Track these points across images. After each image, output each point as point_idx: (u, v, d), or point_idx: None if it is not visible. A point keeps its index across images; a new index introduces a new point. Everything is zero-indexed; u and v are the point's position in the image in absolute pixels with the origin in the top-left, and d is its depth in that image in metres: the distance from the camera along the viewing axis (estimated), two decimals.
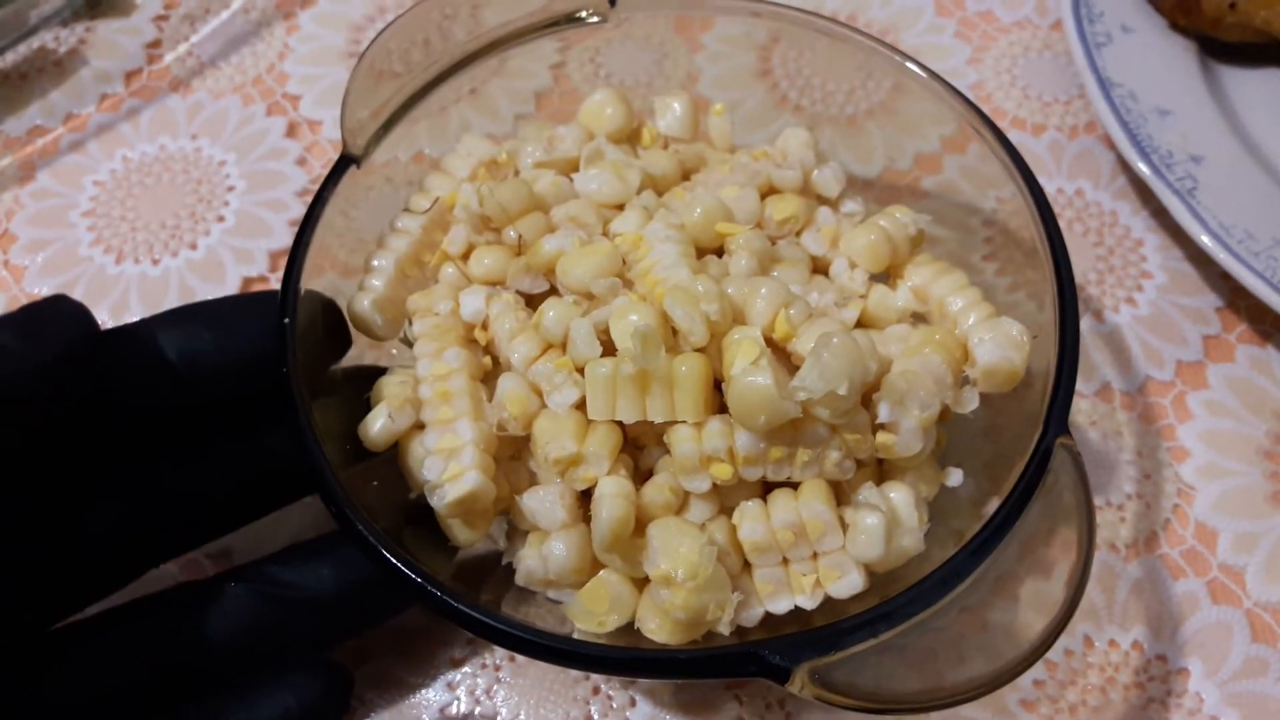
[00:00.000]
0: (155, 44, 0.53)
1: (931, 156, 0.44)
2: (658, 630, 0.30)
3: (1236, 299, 0.45)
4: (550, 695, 0.36)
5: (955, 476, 0.33)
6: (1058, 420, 0.30)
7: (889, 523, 0.31)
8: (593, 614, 0.31)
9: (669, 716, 0.36)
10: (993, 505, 0.32)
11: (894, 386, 0.31)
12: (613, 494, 0.30)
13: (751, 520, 0.30)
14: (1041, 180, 0.47)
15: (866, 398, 0.32)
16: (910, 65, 0.40)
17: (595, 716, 0.36)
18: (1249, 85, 0.49)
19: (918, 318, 0.37)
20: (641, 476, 0.32)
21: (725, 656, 0.28)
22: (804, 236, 0.38)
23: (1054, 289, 0.33)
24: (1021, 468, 0.30)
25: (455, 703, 0.36)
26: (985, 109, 0.50)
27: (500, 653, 0.37)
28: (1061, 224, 0.46)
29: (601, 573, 0.31)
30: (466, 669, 0.37)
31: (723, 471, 0.30)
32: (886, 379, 0.32)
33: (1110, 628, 0.38)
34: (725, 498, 0.31)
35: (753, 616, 0.31)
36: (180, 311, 0.34)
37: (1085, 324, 0.44)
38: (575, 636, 0.31)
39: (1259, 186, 0.44)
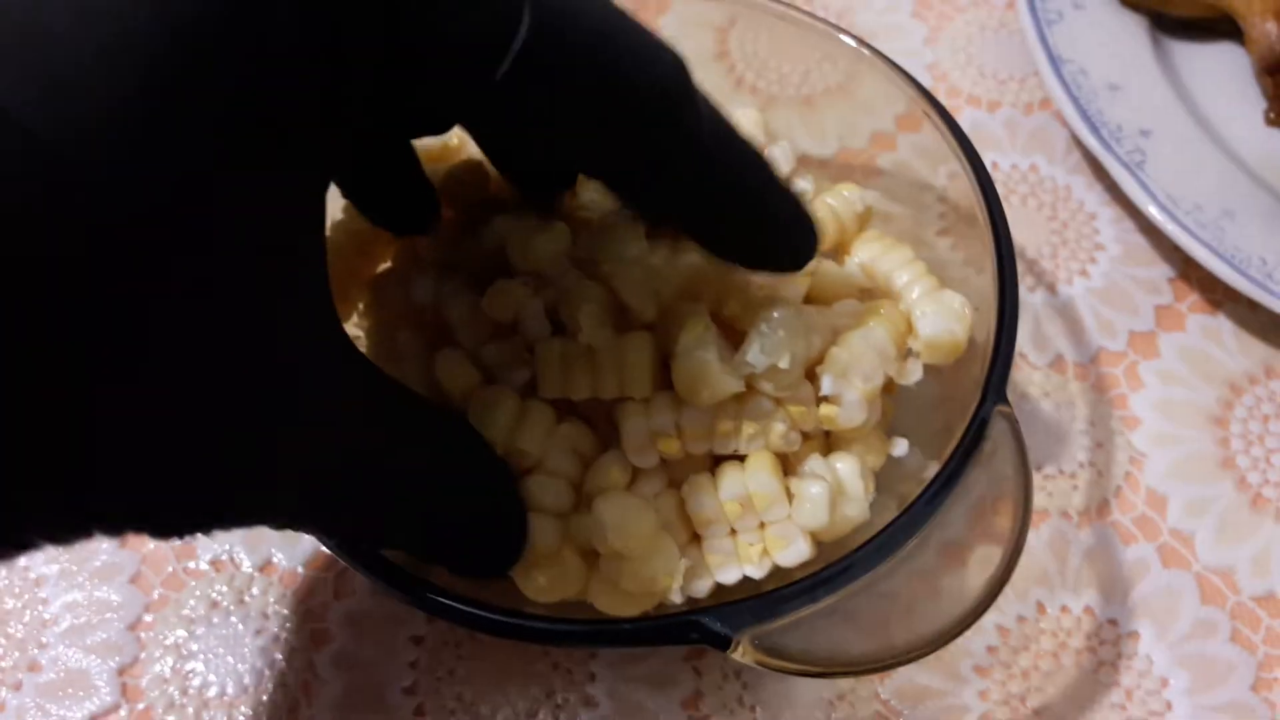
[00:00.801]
0: None
1: (886, 135, 0.45)
2: (609, 604, 0.31)
3: (1188, 269, 0.45)
4: (510, 671, 0.37)
5: (900, 446, 0.34)
6: (996, 388, 0.31)
7: (833, 492, 0.31)
8: (541, 588, 0.31)
9: (627, 689, 0.37)
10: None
11: (836, 359, 0.32)
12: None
13: (699, 493, 0.31)
14: (997, 156, 0.48)
15: (811, 371, 0.32)
16: (863, 50, 0.40)
17: (557, 689, 0.37)
18: (1199, 59, 0.49)
19: (866, 293, 0.37)
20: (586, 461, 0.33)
21: (667, 625, 0.28)
22: None
23: (994, 262, 0.34)
24: (959, 436, 0.30)
25: (417, 680, 0.37)
26: (942, 87, 0.51)
27: (460, 631, 0.37)
28: (1016, 199, 0.47)
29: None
30: (427, 646, 0.37)
31: (670, 446, 0.31)
32: (830, 352, 0.32)
33: (1062, 593, 0.38)
34: (673, 471, 0.32)
35: (702, 587, 0.32)
36: None
37: (1038, 297, 0.45)
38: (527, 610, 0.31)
39: (1208, 159, 0.45)
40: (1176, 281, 0.45)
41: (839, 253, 0.38)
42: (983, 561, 0.32)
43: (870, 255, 0.37)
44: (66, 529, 0.21)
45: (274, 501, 0.24)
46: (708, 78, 0.48)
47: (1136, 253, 0.46)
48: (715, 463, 0.32)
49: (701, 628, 0.28)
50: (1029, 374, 0.43)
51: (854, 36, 0.41)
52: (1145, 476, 0.41)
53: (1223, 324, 0.44)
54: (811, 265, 0.37)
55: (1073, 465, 0.41)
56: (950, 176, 0.40)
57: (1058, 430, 0.42)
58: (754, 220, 0.30)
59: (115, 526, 0.22)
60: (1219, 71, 0.49)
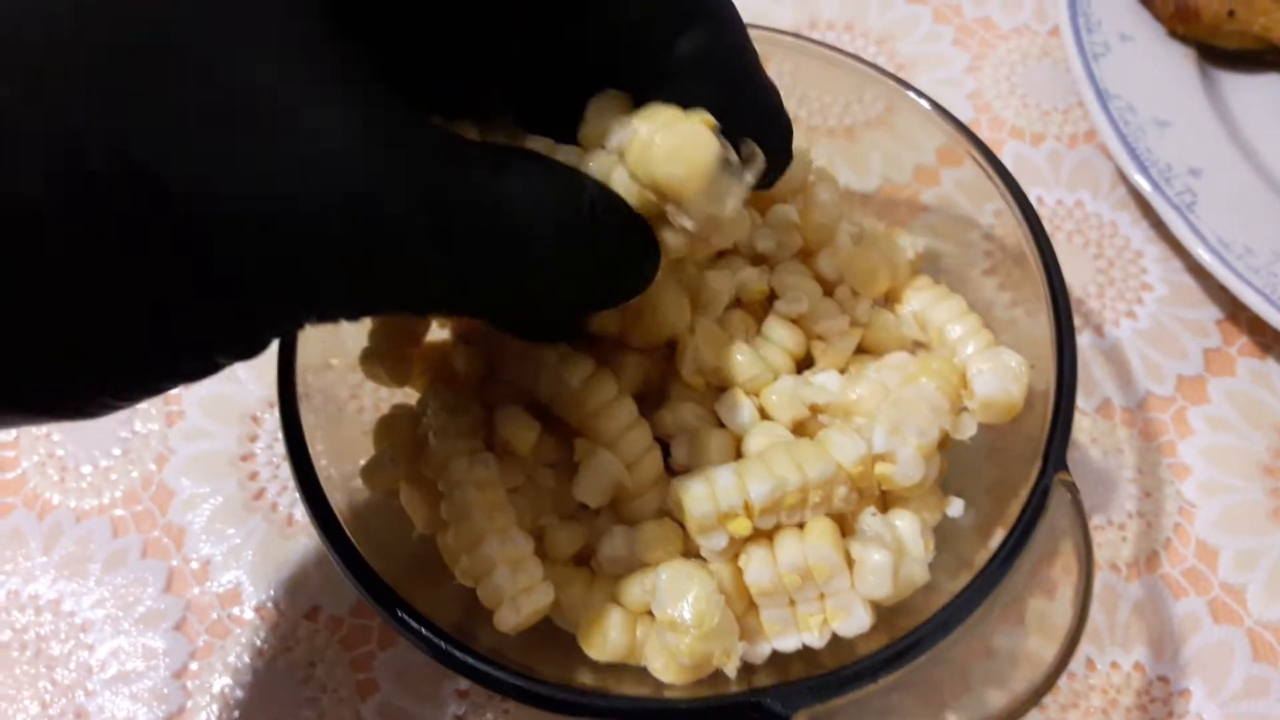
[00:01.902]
0: None
1: (928, 170, 0.44)
2: (664, 670, 0.31)
3: (1237, 311, 0.45)
4: None
5: (956, 507, 0.34)
6: (1055, 457, 0.31)
7: (895, 557, 0.31)
8: (593, 648, 0.31)
9: None
10: (995, 530, 0.33)
11: (889, 415, 0.31)
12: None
13: (758, 565, 0.31)
14: (1041, 191, 0.48)
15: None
16: (900, 87, 0.39)
17: None
18: (1248, 92, 0.49)
19: (918, 345, 0.37)
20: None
21: (726, 706, 0.28)
22: (820, 259, 0.37)
23: (1052, 327, 0.33)
24: (1020, 506, 0.30)
25: None
26: (984, 118, 0.50)
27: None
28: (1061, 236, 0.47)
29: (598, 611, 0.32)
30: (472, 700, 0.37)
31: (741, 528, 0.30)
32: (882, 407, 0.32)
33: (1112, 649, 0.38)
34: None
35: (760, 654, 0.31)
36: None
37: (1085, 339, 0.44)
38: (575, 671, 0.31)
39: (1259, 198, 0.44)
40: (1225, 323, 0.45)
41: (891, 301, 0.38)
42: (1036, 619, 0.32)
43: (922, 304, 0.37)
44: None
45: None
46: None
47: (1184, 293, 0.45)
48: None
49: (761, 708, 0.28)
50: (1077, 420, 0.42)
51: (890, 75, 0.40)
52: (1195, 527, 0.40)
53: (1273, 368, 0.43)
54: (866, 315, 0.37)
55: (1121, 516, 0.40)
56: (995, 214, 0.40)
57: (1106, 479, 0.41)
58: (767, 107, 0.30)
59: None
60: (1269, 104, 0.48)
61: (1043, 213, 0.47)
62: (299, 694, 0.38)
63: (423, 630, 0.29)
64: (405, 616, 0.29)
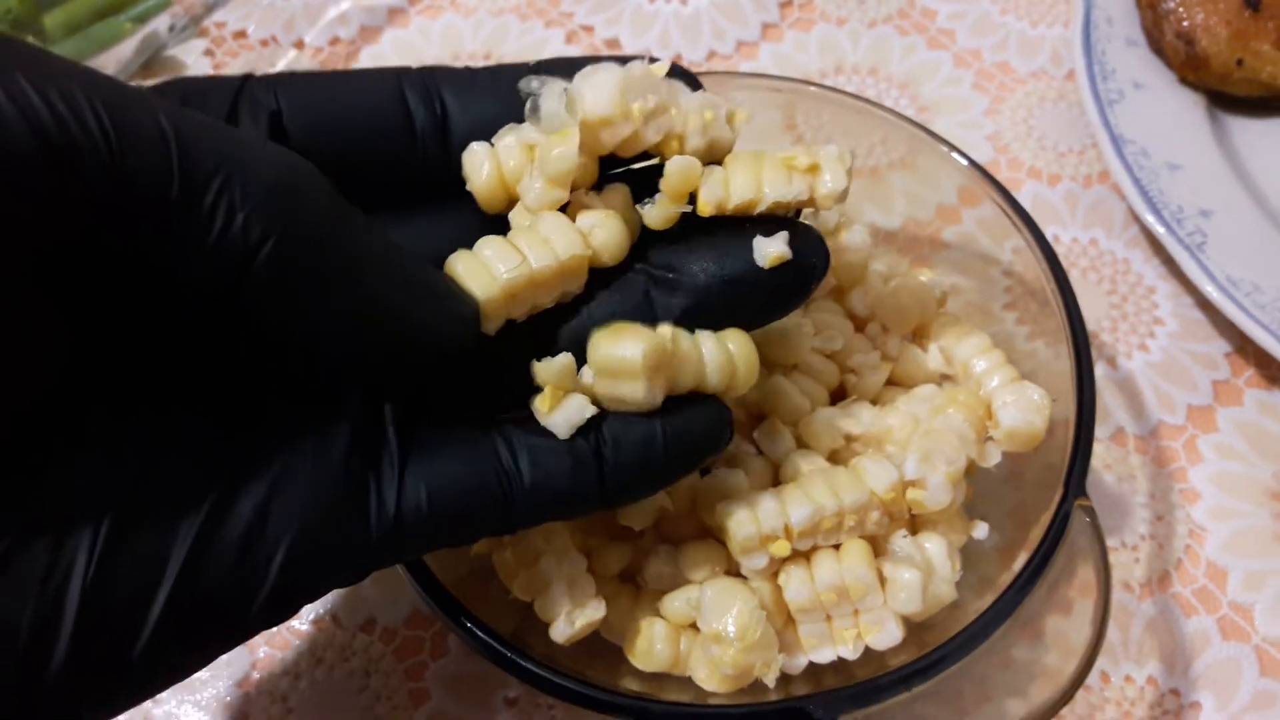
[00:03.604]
0: None
1: (950, 208, 0.47)
2: (707, 680, 0.33)
3: (1245, 345, 0.47)
4: None
5: (981, 530, 0.36)
6: (1076, 483, 0.33)
7: (925, 576, 0.33)
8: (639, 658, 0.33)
9: None
10: (1018, 552, 0.35)
11: (920, 444, 0.34)
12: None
13: (797, 583, 0.33)
14: (1058, 230, 0.50)
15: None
16: (921, 132, 0.42)
17: None
18: (1257, 136, 0.51)
19: (945, 378, 0.39)
20: None
21: (776, 712, 0.30)
22: (852, 298, 0.40)
23: (1072, 364, 0.35)
24: (1042, 531, 0.32)
25: None
26: (1003, 159, 0.53)
27: None
28: (1077, 272, 0.49)
29: (644, 624, 0.34)
30: (520, 708, 0.39)
31: (781, 549, 0.32)
32: (914, 437, 0.34)
33: (1126, 664, 0.40)
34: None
35: (797, 665, 0.34)
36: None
37: (1100, 370, 0.46)
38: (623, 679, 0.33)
39: (1266, 238, 0.46)
40: (1233, 356, 0.47)
41: (919, 337, 0.40)
42: (1054, 635, 0.34)
43: (948, 340, 0.39)
44: None
45: None
46: (777, 148, 0.50)
47: (1194, 328, 0.47)
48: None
49: (806, 715, 0.30)
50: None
51: (911, 120, 0.43)
52: (1205, 549, 0.42)
53: (1279, 399, 0.46)
54: (896, 350, 0.39)
55: (1134, 538, 0.43)
56: (1014, 251, 0.42)
57: (1120, 503, 0.43)
58: None
59: None
60: (1277, 148, 0.51)
61: (1059, 250, 0.50)
62: (356, 702, 0.40)
63: (488, 639, 0.31)
64: (471, 626, 0.32)
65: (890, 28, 0.57)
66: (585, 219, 0.30)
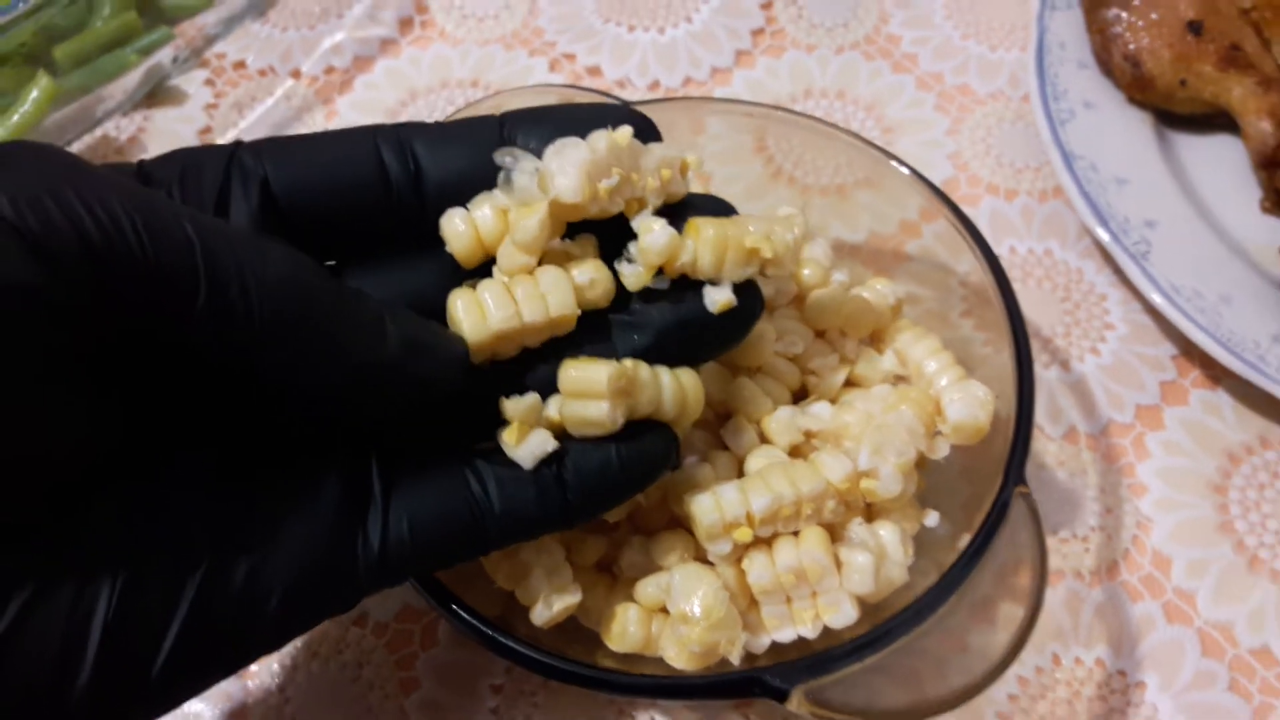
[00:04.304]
0: (206, 130, 0.58)
1: (912, 224, 0.49)
2: (676, 658, 0.35)
3: (1190, 348, 0.50)
4: (580, 717, 0.41)
5: (932, 518, 0.38)
6: (1015, 473, 0.36)
7: (877, 559, 0.36)
8: (620, 638, 0.36)
9: None
10: (966, 538, 0.38)
11: (873, 438, 0.36)
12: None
13: (759, 567, 0.35)
14: (1014, 241, 0.53)
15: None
16: (883, 155, 0.45)
17: None
18: (1201, 151, 0.54)
19: (899, 379, 0.42)
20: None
21: (733, 681, 0.33)
22: (812, 305, 0.42)
23: (1015, 367, 0.38)
24: (984, 515, 0.35)
25: None
26: (963, 176, 0.56)
27: (536, 679, 0.42)
28: (1033, 282, 0.52)
29: (619, 609, 0.36)
30: (506, 694, 0.42)
31: (744, 535, 0.35)
32: (866, 431, 0.37)
33: (1076, 647, 0.43)
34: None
35: (760, 645, 0.36)
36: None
37: (1053, 373, 0.49)
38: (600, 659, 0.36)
39: (1208, 247, 0.49)
40: (1180, 359, 0.50)
41: (875, 340, 0.43)
42: (1006, 620, 0.37)
43: (903, 343, 0.42)
44: None
45: None
46: (749, 169, 0.53)
47: (1143, 333, 0.50)
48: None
49: (763, 683, 0.32)
50: (1045, 445, 0.47)
51: (874, 145, 0.45)
52: (1151, 539, 0.45)
53: (1222, 399, 0.48)
54: (853, 353, 0.42)
55: (1085, 529, 0.45)
56: (970, 263, 0.45)
57: (1071, 497, 0.46)
58: None
59: None
60: (1220, 163, 0.54)
61: (1016, 261, 0.52)
62: (350, 692, 0.42)
63: (476, 623, 0.34)
64: (461, 611, 0.34)
65: (857, 53, 0.60)
66: (581, 273, 0.33)
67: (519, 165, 0.33)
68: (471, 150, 0.33)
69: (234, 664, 0.30)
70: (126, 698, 0.27)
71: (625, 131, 0.33)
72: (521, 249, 0.33)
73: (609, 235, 0.34)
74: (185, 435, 0.30)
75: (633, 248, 0.33)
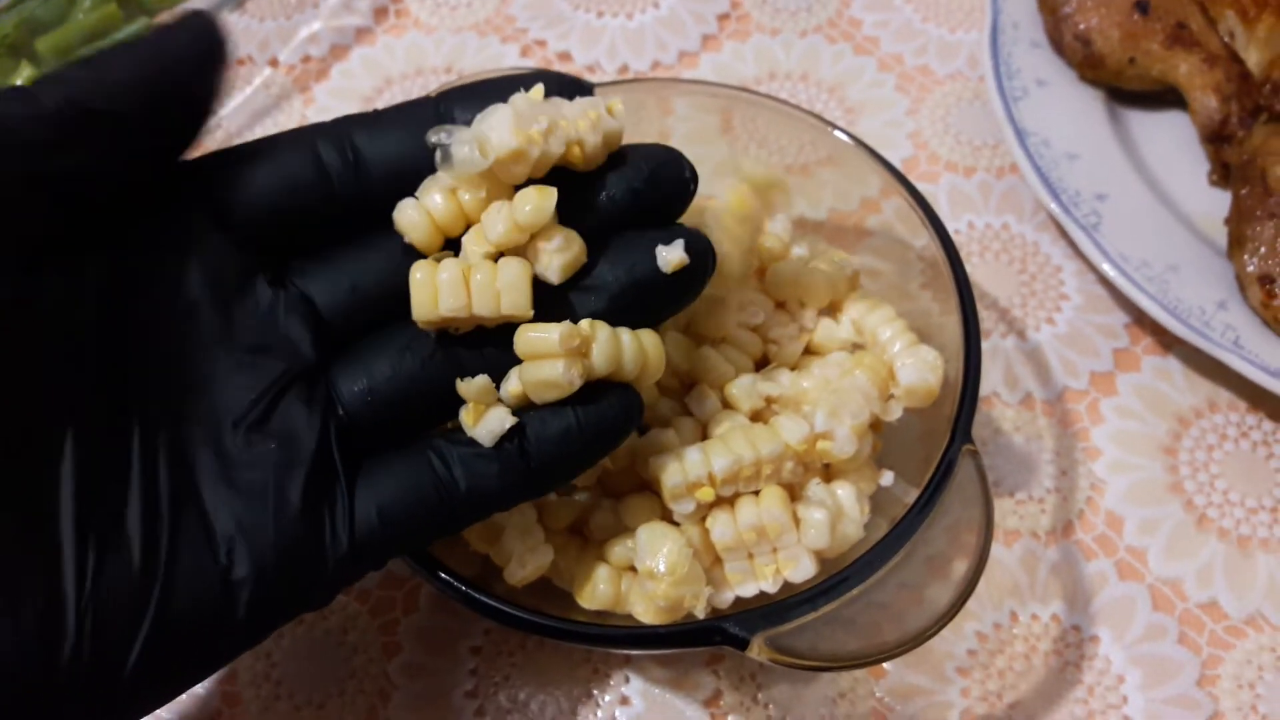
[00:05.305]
0: None
1: (872, 200, 0.51)
2: (644, 613, 0.37)
3: (1142, 316, 0.51)
4: (557, 676, 0.43)
5: (887, 477, 0.40)
6: (962, 432, 0.37)
7: (833, 516, 0.37)
8: (592, 598, 0.38)
9: (657, 690, 0.43)
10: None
11: (828, 401, 0.38)
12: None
13: (722, 525, 0.37)
14: (972, 217, 0.55)
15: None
16: (844, 137, 0.46)
17: (596, 691, 0.43)
18: (1151, 127, 0.56)
19: (855, 346, 0.43)
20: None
21: (696, 630, 0.35)
22: (773, 277, 0.44)
23: (961, 331, 0.40)
24: (931, 473, 0.37)
25: (477, 685, 0.43)
26: (923, 154, 0.57)
27: (513, 640, 0.44)
28: (990, 255, 0.53)
29: (589, 568, 0.38)
30: (485, 655, 0.43)
31: (706, 495, 0.37)
32: (823, 395, 0.39)
33: (1032, 603, 0.44)
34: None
35: (724, 600, 0.38)
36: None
37: (1010, 342, 0.51)
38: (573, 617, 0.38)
39: (1156, 219, 0.51)
40: (1132, 327, 0.51)
41: (833, 310, 0.44)
42: (960, 576, 0.38)
43: (859, 313, 0.43)
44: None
45: None
46: (715, 150, 0.55)
47: (1096, 302, 0.52)
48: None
49: (724, 632, 0.34)
50: (1002, 411, 0.49)
51: (835, 125, 0.47)
52: (1105, 500, 0.47)
53: (1172, 365, 0.50)
54: (812, 322, 0.43)
55: (1041, 491, 0.47)
56: (927, 238, 0.46)
57: (1028, 461, 0.48)
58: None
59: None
60: (1169, 137, 0.55)
61: (974, 235, 0.54)
62: (335, 655, 0.44)
63: (456, 583, 0.36)
64: (444, 575, 0.36)
65: (820, 37, 0.62)
66: (550, 244, 0.34)
67: (455, 137, 0.33)
68: (409, 133, 0.34)
69: (209, 663, 0.31)
70: (99, 701, 0.28)
71: (538, 88, 0.34)
72: (519, 228, 0.33)
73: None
74: (146, 398, 0.31)
75: None
